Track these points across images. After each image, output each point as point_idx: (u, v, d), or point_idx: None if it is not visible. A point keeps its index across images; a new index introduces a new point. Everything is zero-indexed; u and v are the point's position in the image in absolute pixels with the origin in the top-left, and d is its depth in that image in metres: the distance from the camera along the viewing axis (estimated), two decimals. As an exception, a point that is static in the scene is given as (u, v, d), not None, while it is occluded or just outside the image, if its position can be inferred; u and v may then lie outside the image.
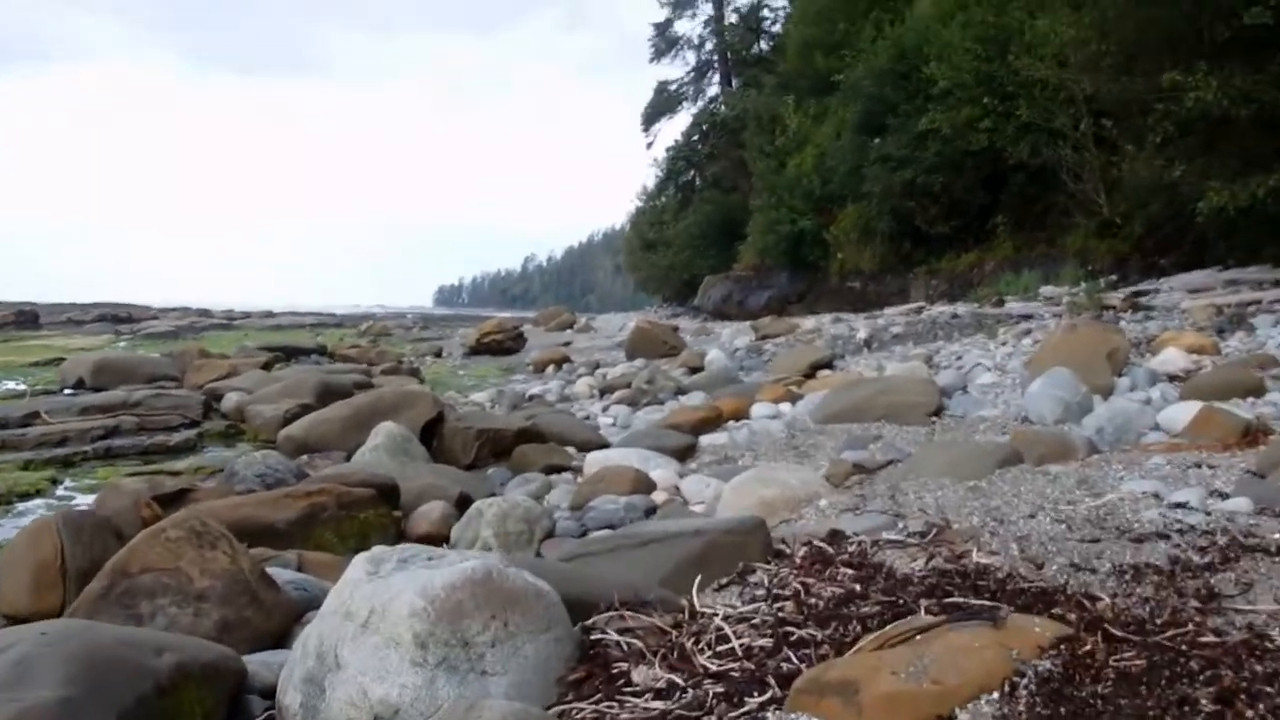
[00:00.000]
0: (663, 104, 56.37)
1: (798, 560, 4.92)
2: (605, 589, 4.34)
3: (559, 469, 9.20)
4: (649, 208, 54.48)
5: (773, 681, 3.37)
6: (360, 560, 3.92)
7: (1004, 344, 14.68)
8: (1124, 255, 21.19)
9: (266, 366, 19.31)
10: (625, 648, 3.78)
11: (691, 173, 51.37)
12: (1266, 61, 13.31)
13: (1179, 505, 5.48)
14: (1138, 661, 3.25)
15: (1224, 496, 5.72)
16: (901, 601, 3.96)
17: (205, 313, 51.15)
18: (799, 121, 35.95)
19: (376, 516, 6.93)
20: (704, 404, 11.94)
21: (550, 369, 21.55)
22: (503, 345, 28.62)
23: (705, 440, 9.98)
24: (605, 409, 13.33)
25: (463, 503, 7.33)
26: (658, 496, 7.65)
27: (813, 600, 4.08)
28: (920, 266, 28.80)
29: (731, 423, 11.00)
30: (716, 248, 42.61)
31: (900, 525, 5.58)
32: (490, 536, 6.54)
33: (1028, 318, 17.55)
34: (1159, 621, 3.66)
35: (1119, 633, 3.49)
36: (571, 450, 9.96)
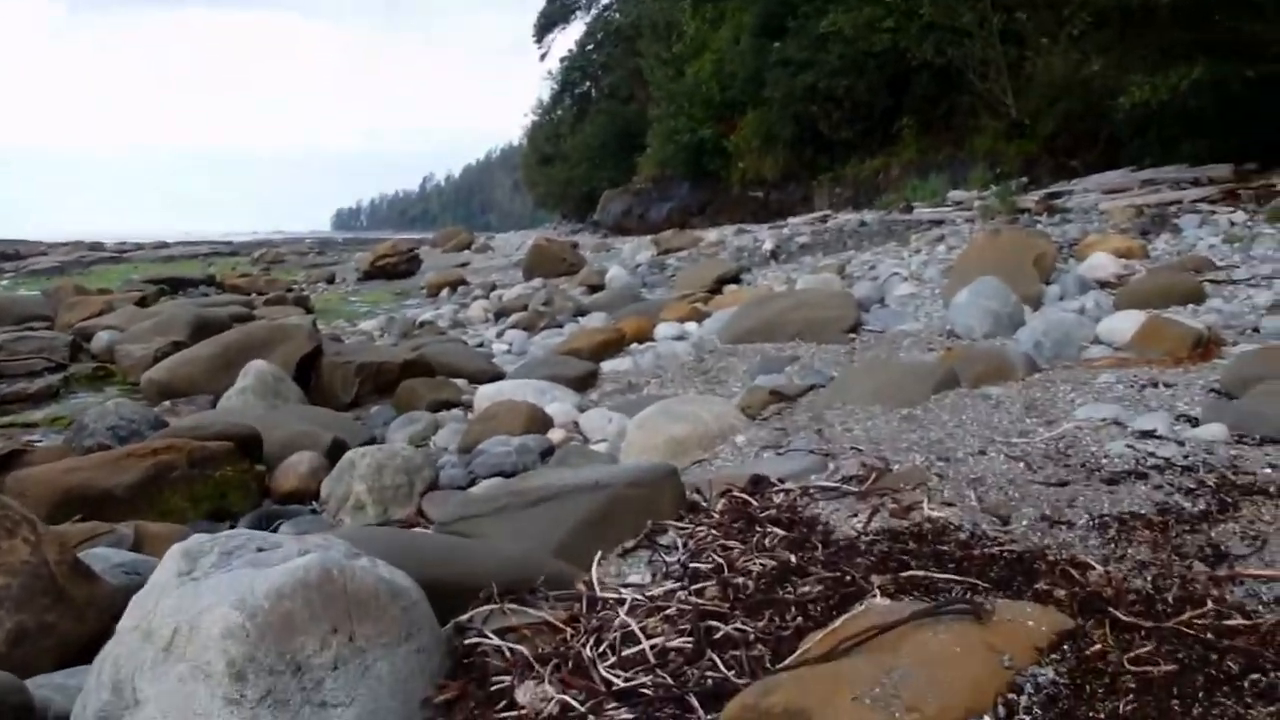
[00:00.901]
0: (555, 13, 54.56)
1: (716, 516, 4.17)
2: (486, 568, 3.56)
3: (448, 405, 8.35)
4: (545, 121, 53.27)
5: (696, 702, 2.61)
6: (172, 556, 3.03)
7: (918, 252, 14.03)
8: (1033, 157, 20.65)
9: (143, 301, 18.02)
10: (508, 655, 2.98)
11: (587, 84, 50.17)
12: (1187, -56, 12.68)
13: (1146, 434, 4.82)
14: (1161, 664, 2.53)
15: (1193, 422, 5.07)
16: (849, 577, 3.22)
17: (97, 246, 48.98)
18: (696, 26, 34.89)
19: (235, 473, 6.05)
20: (605, 326, 11.15)
21: (445, 292, 20.65)
22: (397, 268, 27.59)
23: (607, 366, 9.20)
24: (500, 334, 12.49)
25: (336, 451, 6.47)
26: (555, 435, 6.85)
27: (739, 580, 3.32)
28: (824, 174, 28.15)
29: (635, 345, 10.25)
30: (615, 160, 41.61)
31: (831, 467, 4.85)
32: (364, 492, 5.71)
33: (939, 223, 16.92)
34: (1169, 598, 2.96)
35: (1127, 618, 2.78)
36: (463, 383, 9.12)
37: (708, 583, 3.32)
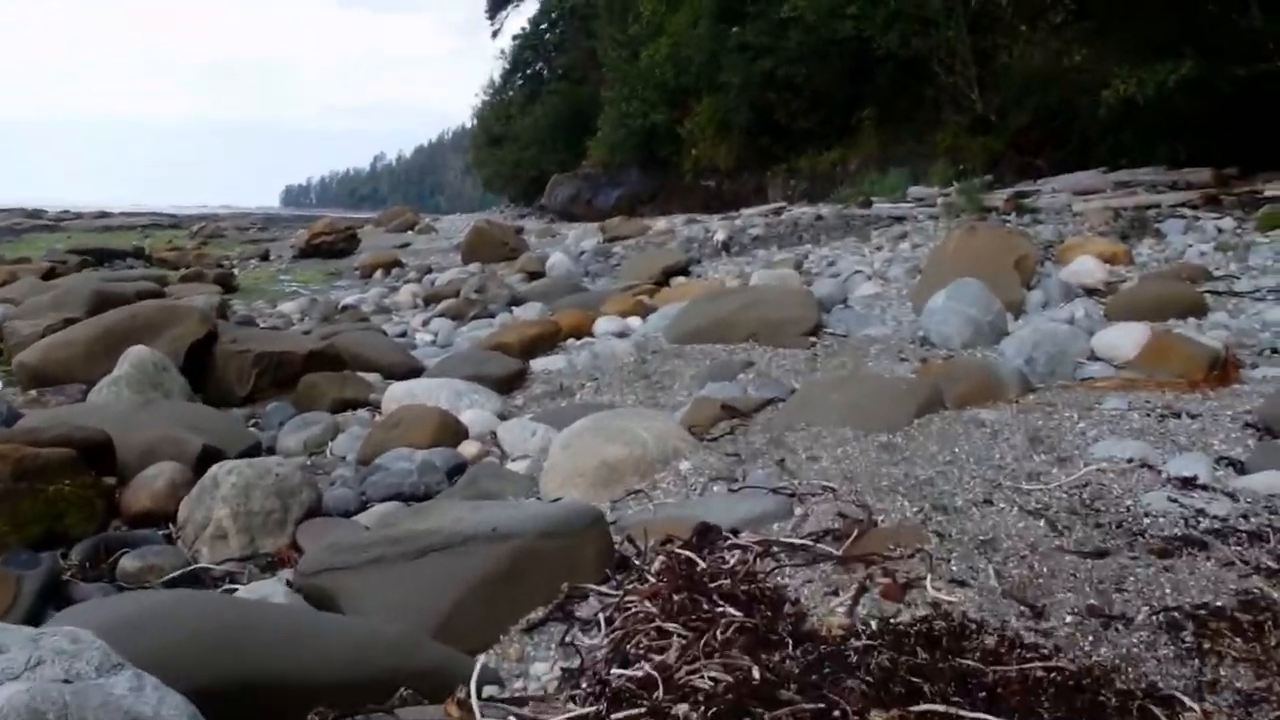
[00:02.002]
0: None
1: (652, 580, 3.23)
2: (332, 664, 2.61)
3: (353, 404, 7.31)
4: (496, 101, 51.81)
5: None
6: None
7: (879, 249, 13.10)
8: (998, 154, 19.75)
9: (50, 274, 16.73)
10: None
11: (540, 64, 48.88)
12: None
13: (1187, 483, 3.90)
14: None
15: (1237, 466, 4.16)
16: (837, 712, 2.25)
17: (36, 213, 47.14)
18: (653, 8, 33.69)
19: (75, 489, 4.94)
20: (540, 318, 10.14)
21: (379, 274, 19.49)
22: (334, 247, 26.34)
23: (539, 364, 8.19)
24: (426, 322, 11.42)
25: (206, 461, 5.39)
26: (468, 449, 5.84)
27: (680, 711, 2.33)
28: (780, 164, 27.16)
29: (572, 340, 9.26)
30: (565, 144, 40.38)
31: (799, 512, 3.91)
32: (227, 518, 4.65)
33: (900, 220, 16.03)
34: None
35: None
36: (376, 378, 8.10)
37: (634, 712, 2.34)
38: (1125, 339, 6.62)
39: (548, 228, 31.16)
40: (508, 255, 18.75)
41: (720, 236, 16.11)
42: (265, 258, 26.18)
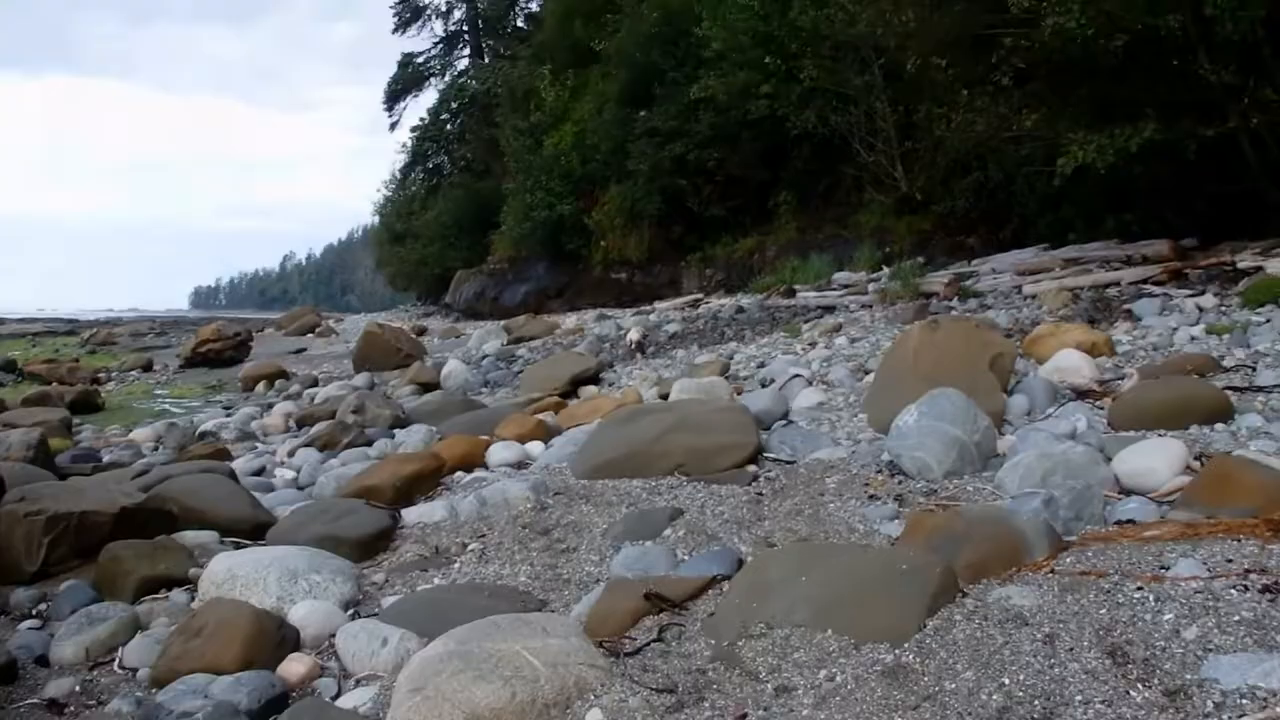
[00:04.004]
0: (407, 79, 50.81)
1: None
2: None
3: (169, 582, 5.61)
4: (397, 196, 50.00)
5: None
6: None
7: (813, 345, 11.62)
8: (926, 234, 18.52)
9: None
10: None
11: (440, 156, 47.22)
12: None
13: None
14: None
15: None
16: None
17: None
18: (556, 94, 32.27)
19: None
20: (421, 450, 8.49)
21: (261, 386, 17.77)
22: (222, 355, 24.73)
23: (414, 515, 6.54)
24: (292, 454, 9.69)
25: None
26: (293, 668, 4.19)
27: None
28: (693, 254, 25.68)
29: (461, 474, 7.64)
30: (469, 239, 38.56)
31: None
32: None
33: (829, 310, 14.63)
34: None
35: None
36: (212, 538, 6.42)
37: None
38: (1157, 461, 5.15)
39: (452, 327, 29.56)
40: (402, 362, 17.15)
41: (634, 336, 14.56)
42: (148, 368, 24.44)
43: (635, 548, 5.19)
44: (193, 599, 5.29)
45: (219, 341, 25.32)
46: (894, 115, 18.96)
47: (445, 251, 40.29)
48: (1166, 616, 3.33)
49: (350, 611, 4.92)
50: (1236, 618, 3.25)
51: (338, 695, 4.08)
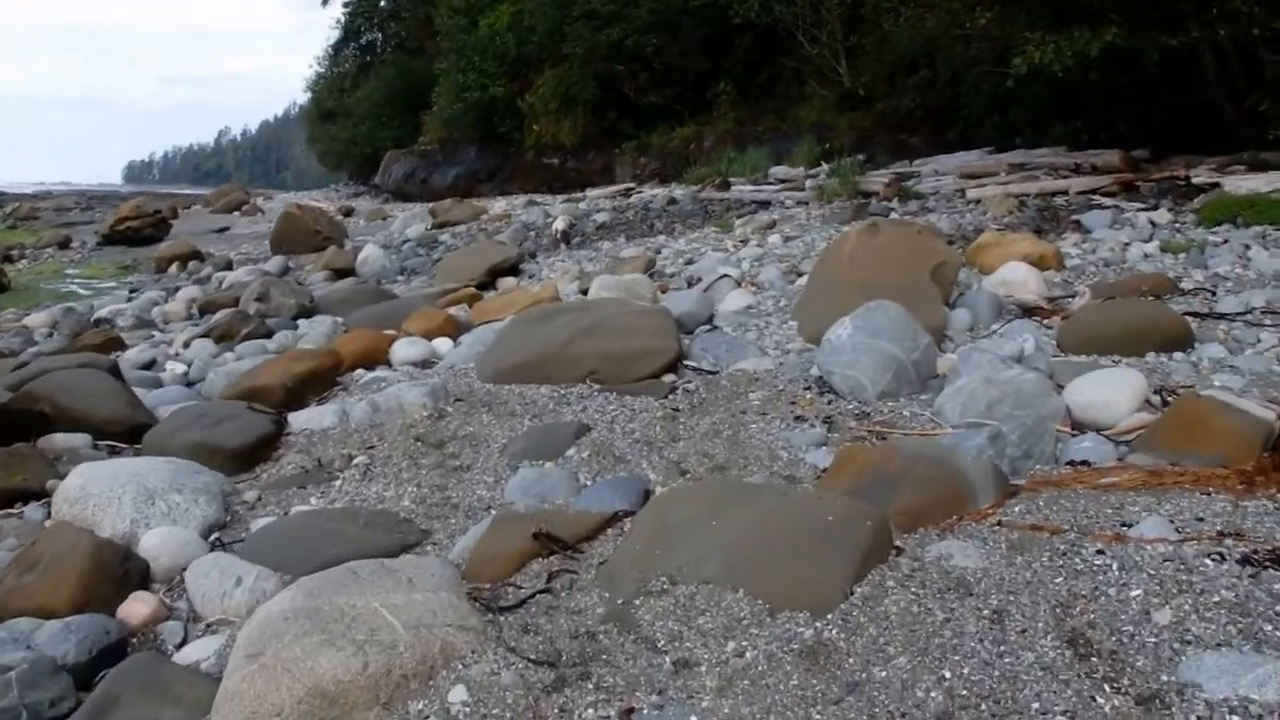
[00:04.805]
0: None
1: None
2: None
3: (24, 496, 4.99)
4: (329, 73, 48.51)
5: None
6: None
7: (745, 242, 11.02)
8: (867, 132, 17.93)
9: None
10: None
11: (373, 33, 45.77)
12: None
13: None
14: None
15: None
16: None
17: None
18: (494, -28, 31.25)
19: None
20: (318, 346, 7.87)
21: (174, 268, 16.92)
22: (140, 233, 23.86)
23: (301, 420, 5.97)
24: (187, 345, 9.01)
25: None
26: (135, 609, 3.66)
27: None
28: (628, 141, 25.00)
29: (362, 372, 7.04)
30: (401, 119, 37.46)
31: None
32: None
33: (765, 205, 14.02)
34: None
35: None
36: (82, 446, 5.81)
37: None
38: (1114, 393, 4.67)
39: (379, 209, 28.62)
40: (320, 245, 16.36)
41: (559, 226, 13.90)
42: (65, 245, 23.51)
43: (533, 469, 4.67)
44: (48, 516, 4.68)
45: (138, 219, 24.47)
46: (840, 7, 18.32)
47: (376, 131, 39.19)
48: (1134, 593, 2.86)
49: (214, 537, 4.37)
50: (1216, 598, 2.79)
51: (184, 642, 3.54)
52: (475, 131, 30.52)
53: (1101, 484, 3.81)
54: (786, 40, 19.56)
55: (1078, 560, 3.07)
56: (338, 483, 4.94)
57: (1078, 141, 12.75)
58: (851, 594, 2.97)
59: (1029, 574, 2.99)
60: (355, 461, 5.18)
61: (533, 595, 3.30)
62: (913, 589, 2.96)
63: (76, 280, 17.51)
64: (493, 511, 4.28)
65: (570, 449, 4.87)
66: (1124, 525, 3.35)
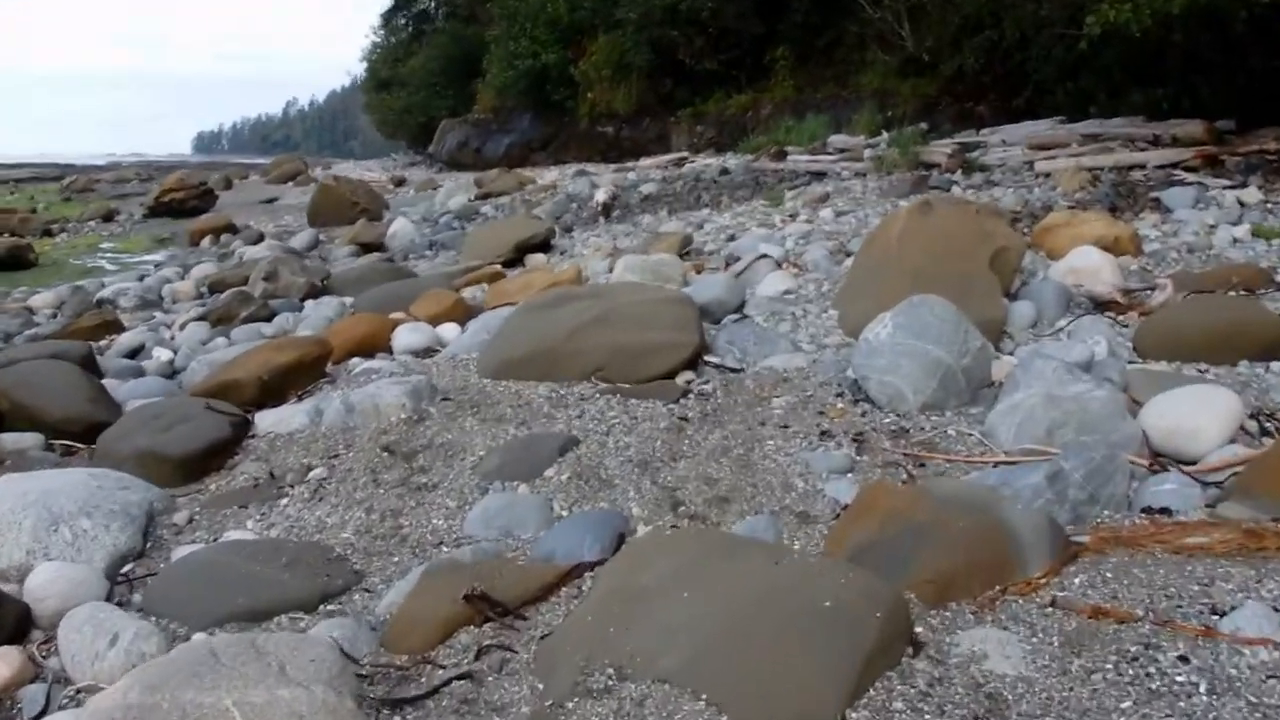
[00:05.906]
0: None
1: None
2: None
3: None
4: (385, 42, 48.01)
5: None
6: None
7: (794, 216, 10.22)
8: (931, 99, 17.02)
9: None
10: None
11: (427, 1, 45.12)
12: None
13: None
14: None
15: None
16: None
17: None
18: (545, -63, 30.45)
19: None
20: (316, 332, 7.22)
21: (207, 240, 16.38)
22: (185, 205, 23.28)
23: (270, 420, 5.32)
24: (183, 328, 8.39)
25: None
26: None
27: None
28: (684, 109, 24.23)
29: (358, 361, 6.38)
30: (455, 87, 36.83)
31: None
32: None
33: (820, 176, 13.20)
34: None
35: None
36: (32, 447, 5.25)
37: None
38: (1203, 418, 3.87)
39: (430, 179, 28.01)
40: (357, 217, 15.73)
41: (600, 198, 13.15)
42: (109, 218, 23.02)
43: (503, 495, 3.96)
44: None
45: (182, 191, 23.97)
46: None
47: (430, 100, 38.59)
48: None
49: (126, 569, 3.72)
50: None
51: (42, 714, 2.87)
52: (528, 100, 29.85)
53: (1185, 545, 3.02)
54: (847, 2, 18.67)
55: (1152, 670, 2.30)
56: (284, 502, 4.27)
57: (1157, 111, 11.79)
58: (849, 709, 2.22)
59: (1086, 692, 2.24)
60: (310, 475, 4.50)
61: (446, 683, 2.59)
62: (928, 713, 2.21)
63: (109, 255, 16.94)
64: (444, 549, 3.59)
65: (550, 468, 4.15)
66: (1214, 613, 2.57)
